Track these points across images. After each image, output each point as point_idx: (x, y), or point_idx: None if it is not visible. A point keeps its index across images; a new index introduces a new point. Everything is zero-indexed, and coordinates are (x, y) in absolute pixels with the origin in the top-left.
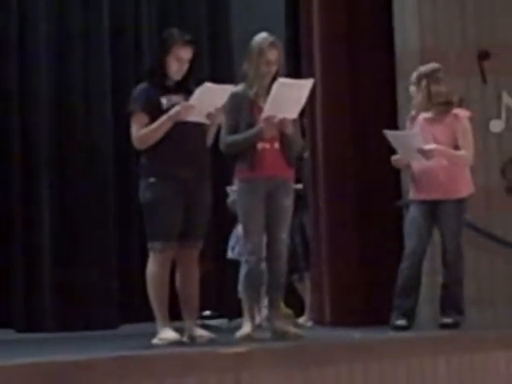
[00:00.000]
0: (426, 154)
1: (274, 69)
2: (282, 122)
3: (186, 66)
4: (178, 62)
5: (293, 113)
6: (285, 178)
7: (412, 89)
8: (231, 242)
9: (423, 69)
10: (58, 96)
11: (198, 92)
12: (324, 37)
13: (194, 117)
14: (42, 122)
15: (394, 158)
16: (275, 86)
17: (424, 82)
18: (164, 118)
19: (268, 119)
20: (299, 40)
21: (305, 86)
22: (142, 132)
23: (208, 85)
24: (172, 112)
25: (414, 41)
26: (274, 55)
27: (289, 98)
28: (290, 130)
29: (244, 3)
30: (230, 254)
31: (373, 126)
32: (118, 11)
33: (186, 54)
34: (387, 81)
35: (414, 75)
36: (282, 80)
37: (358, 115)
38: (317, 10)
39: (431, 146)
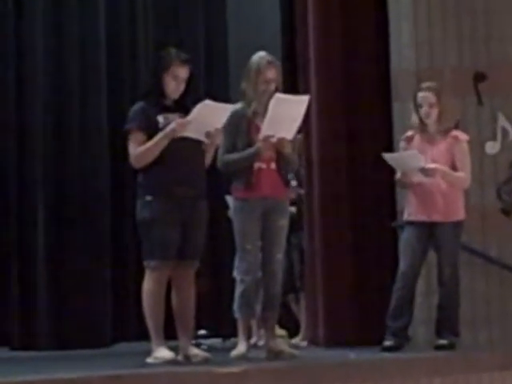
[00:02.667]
0: (427, 172)
1: (272, 87)
2: (280, 141)
3: (183, 86)
4: (175, 81)
5: (290, 132)
6: (280, 198)
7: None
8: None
9: (434, 84)
10: (53, 116)
11: (197, 109)
12: (320, 58)
13: (192, 133)
14: (38, 143)
15: (397, 176)
16: (272, 102)
17: (445, 97)
18: (160, 135)
19: (266, 139)
20: (295, 54)
21: (301, 102)
22: (139, 150)
23: (207, 102)
24: (167, 129)
25: (410, 60)
26: (272, 74)
27: (286, 115)
28: (288, 149)
29: (240, 16)
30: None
31: (368, 145)
32: (114, 29)
33: (183, 73)
34: (382, 100)
35: (434, 89)
36: (278, 95)
37: (353, 136)
38: (312, 30)
39: (433, 165)
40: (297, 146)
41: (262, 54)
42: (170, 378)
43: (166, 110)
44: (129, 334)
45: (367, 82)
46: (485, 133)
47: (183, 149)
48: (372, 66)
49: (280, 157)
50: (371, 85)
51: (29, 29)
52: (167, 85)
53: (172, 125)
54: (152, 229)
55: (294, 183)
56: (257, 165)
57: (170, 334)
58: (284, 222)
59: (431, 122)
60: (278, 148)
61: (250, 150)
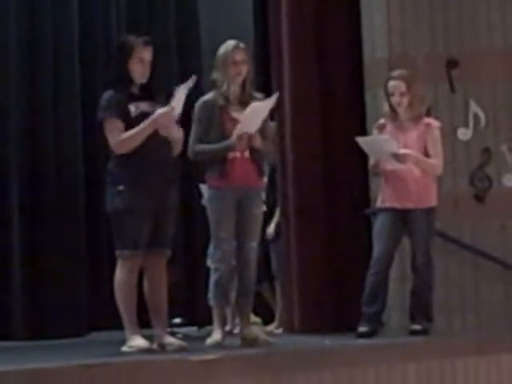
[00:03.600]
0: (399, 158)
1: (242, 70)
2: (251, 137)
3: (148, 69)
4: (141, 64)
5: (257, 125)
6: (255, 187)
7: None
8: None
9: (404, 72)
10: (27, 107)
11: (177, 96)
12: (292, 45)
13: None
14: (12, 131)
15: (371, 163)
16: (248, 110)
17: (415, 85)
18: (146, 123)
19: (241, 137)
20: (268, 43)
21: (270, 101)
22: (124, 136)
23: (183, 88)
24: (154, 117)
25: (383, 48)
26: (239, 56)
27: (257, 116)
28: (258, 143)
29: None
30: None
31: (341, 134)
32: (87, 20)
33: (147, 55)
34: (355, 88)
35: (405, 77)
36: (253, 104)
37: (327, 124)
38: (285, 17)
39: (406, 151)
40: (271, 134)
41: (229, 41)
42: (145, 366)
43: (134, 98)
44: (104, 323)
45: (340, 70)
46: (457, 119)
47: (152, 138)
48: (345, 54)
49: (253, 149)
50: (344, 73)
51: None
52: (134, 70)
53: (157, 114)
54: (124, 219)
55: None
56: (231, 154)
57: (144, 323)
58: (258, 211)
59: (402, 110)
60: (249, 143)
61: (224, 144)
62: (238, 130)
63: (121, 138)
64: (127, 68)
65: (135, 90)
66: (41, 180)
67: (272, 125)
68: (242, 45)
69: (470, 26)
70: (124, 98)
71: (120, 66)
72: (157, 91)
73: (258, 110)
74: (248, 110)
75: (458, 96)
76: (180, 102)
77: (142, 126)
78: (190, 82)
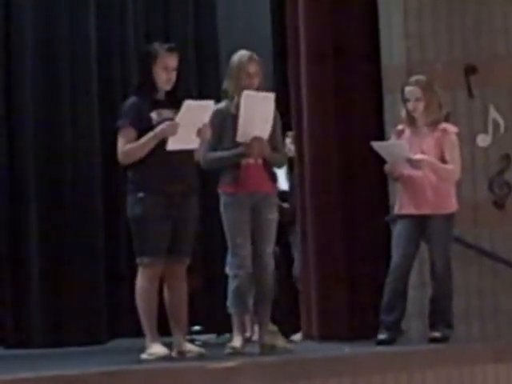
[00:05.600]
0: (414, 163)
1: (255, 82)
2: (260, 146)
3: (174, 75)
4: (166, 71)
5: (264, 131)
6: (268, 193)
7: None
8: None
9: (421, 78)
10: (44, 113)
11: (182, 110)
12: (310, 52)
13: (183, 145)
14: (28, 143)
15: (387, 167)
16: (242, 101)
17: (435, 90)
18: (150, 135)
19: (249, 144)
20: (286, 56)
21: (268, 100)
22: (128, 147)
23: (190, 102)
24: (157, 130)
25: (400, 54)
26: (253, 68)
27: (257, 113)
28: (267, 150)
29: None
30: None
31: (360, 141)
32: (104, 26)
33: (172, 61)
34: (374, 95)
35: (421, 83)
36: (247, 92)
37: (345, 131)
38: (303, 25)
39: (420, 156)
40: (280, 140)
41: (242, 51)
42: (164, 374)
43: (158, 104)
44: (124, 330)
45: (359, 76)
46: (476, 126)
47: None
48: (363, 59)
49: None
50: (363, 78)
51: (18, 24)
52: (158, 76)
53: (162, 126)
54: (144, 225)
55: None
56: (244, 160)
57: (164, 331)
58: (273, 216)
59: (418, 115)
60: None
61: (236, 151)
62: (239, 136)
63: (125, 149)
64: (152, 75)
65: (160, 96)
66: (60, 184)
67: (290, 134)
68: (255, 56)
69: (488, 32)
70: (147, 104)
71: (144, 72)
72: (183, 98)
73: (254, 101)
74: (242, 99)
75: (476, 102)
76: (187, 116)
77: (145, 138)
78: (203, 103)
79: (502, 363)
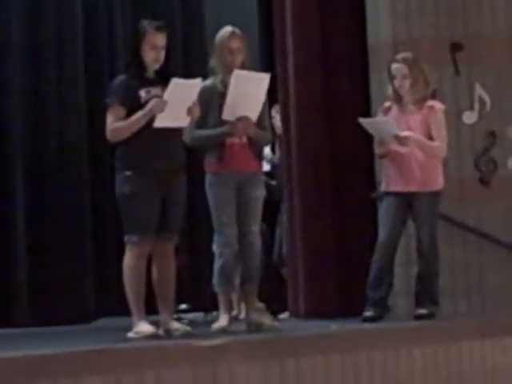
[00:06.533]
0: (401, 140)
1: (238, 58)
2: (245, 126)
3: (162, 54)
4: (154, 49)
5: (253, 112)
6: (254, 171)
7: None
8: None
9: (407, 55)
10: (30, 94)
11: (170, 89)
12: (296, 29)
13: (171, 122)
14: (16, 123)
15: (376, 143)
16: (232, 79)
17: (422, 67)
18: (139, 114)
19: (234, 123)
20: (273, 33)
21: (262, 80)
22: (116, 125)
23: (177, 80)
24: (146, 108)
25: (387, 32)
26: (235, 44)
27: (247, 92)
28: (252, 132)
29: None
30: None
31: (347, 117)
32: (91, 8)
33: (160, 40)
34: (360, 72)
35: (407, 60)
36: (238, 72)
37: (332, 108)
38: (289, 4)
39: (407, 133)
40: (267, 119)
41: (226, 27)
42: (150, 352)
43: (147, 83)
44: (111, 309)
45: (345, 54)
46: (462, 103)
47: None
48: (349, 37)
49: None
50: (349, 57)
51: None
52: (146, 55)
53: (151, 103)
54: (132, 204)
55: (269, 155)
56: (229, 139)
57: (150, 309)
58: (258, 193)
59: (405, 92)
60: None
61: (222, 130)
62: (225, 113)
63: (114, 127)
64: (140, 53)
65: (149, 75)
66: (44, 166)
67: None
68: (237, 32)
69: (475, 10)
70: (136, 83)
71: (133, 51)
72: (172, 76)
73: (245, 81)
74: (232, 78)
75: (462, 79)
76: (175, 94)
77: (135, 116)
78: (190, 82)
79: (488, 339)
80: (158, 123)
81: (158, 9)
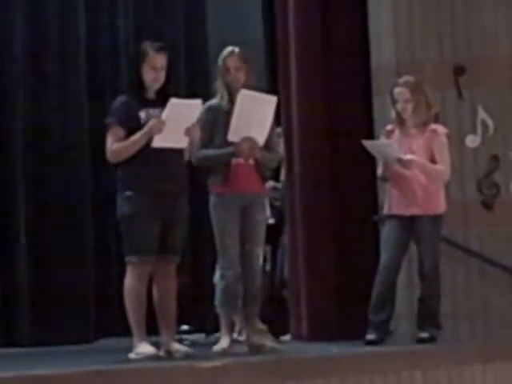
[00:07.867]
0: (404, 164)
1: (239, 77)
2: (252, 149)
3: (162, 74)
4: (154, 70)
5: (260, 135)
6: (258, 193)
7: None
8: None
9: (409, 79)
10: (33, 112)
11: (168, 109)
12: (300, 51)
13: (169, 143)
14: (18, 140)
15: (379, 166)
16: (238, 98)
17: (424, 91)
18: (138, 135)
19: (240, 145)
20: (276, 52)
21: (269, 103)
22: (116, 146)
23: (175, 101)
24: (145, 128)
25: (390, 54)
26: (233, 62)
27: (254, 114)
28: (258, 154)
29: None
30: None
31: (349, 140)
32: (93, 21)
33: (160, 61)
34: (363, 94)
35: (409, 84)
36: (244, 91)
37: (335, 130)
38: (293, 26)
39: (410, 157)
40: (275, 141)
41: (227, 48)
42: (151, 373)
43: (147, 103)
44: (112, 330)
45: (348, 76)
46: (465, 126)
47: None
48: (352, 59)
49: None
50: (352, 79)
51: (6, 20)
52: (146, 75)
53: (149, 124)
54: (132, 224)
55: (271, 182)
56: (235, 160)
57: (152, 330)
58: (262, 217)
59: (407, 116)
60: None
61: (227, 150)
62: (231, 135)
63: (114, 148)
64: (140, 74)
65: (150, 95)
66: (47, 181)
67: (277, 132)
68: (237, 50)
69: (477, 33)
70: (136, 103)
71: (133, 71)
72: (173, 96)
73: (251, 101)
74: (239, 97)
75: (465, 103)
76: (173, 115)
77: (134, 137)
78: (190, 102)
79: (490, 363)
80: (156, 143)
81: (161, 27)
